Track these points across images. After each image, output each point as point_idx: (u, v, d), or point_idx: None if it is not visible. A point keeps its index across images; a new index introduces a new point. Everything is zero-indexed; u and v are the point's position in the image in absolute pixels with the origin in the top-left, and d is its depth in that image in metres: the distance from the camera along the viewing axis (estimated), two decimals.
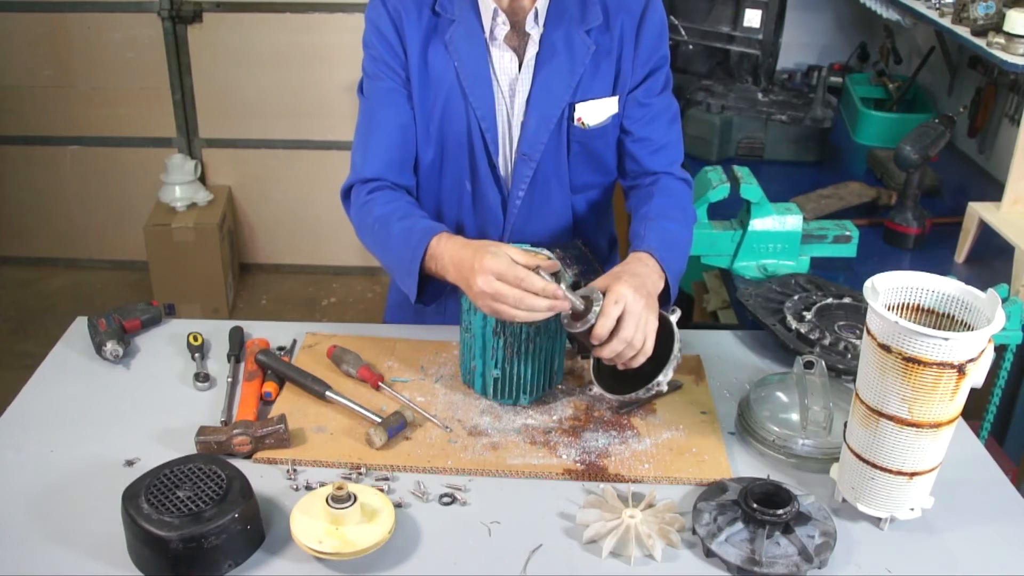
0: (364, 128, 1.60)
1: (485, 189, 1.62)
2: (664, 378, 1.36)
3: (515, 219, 1.64)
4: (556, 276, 1.33)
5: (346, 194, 1.60)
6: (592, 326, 1.32)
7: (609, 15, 1.56)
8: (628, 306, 1.32)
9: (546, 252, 1.48)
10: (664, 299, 1.47)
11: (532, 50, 1.55)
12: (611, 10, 1.56)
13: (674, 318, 1.40)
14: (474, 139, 1.58)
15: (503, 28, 1.53)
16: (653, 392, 1.37)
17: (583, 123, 1.58)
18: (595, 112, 1.58)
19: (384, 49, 1.55)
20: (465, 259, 1.35)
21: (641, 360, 1.35)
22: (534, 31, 1.54)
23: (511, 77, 1.56)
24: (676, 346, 1.37)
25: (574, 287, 1.39)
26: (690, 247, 1.60)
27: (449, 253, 1.39)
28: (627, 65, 1.58)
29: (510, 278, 1.29)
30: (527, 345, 1.40)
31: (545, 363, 1.43)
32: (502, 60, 1.55)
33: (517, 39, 1.55)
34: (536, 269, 1.31)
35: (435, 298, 1.55)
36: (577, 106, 1.57)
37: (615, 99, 1.60)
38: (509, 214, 1.64)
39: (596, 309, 1.32)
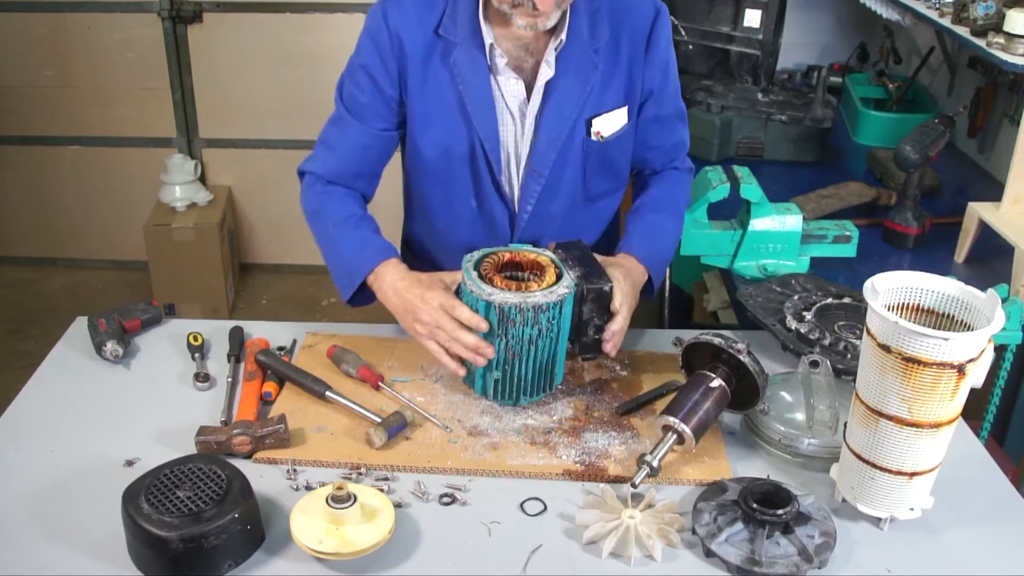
0: (335, 131, 1.64)
1: (491, 205, 1.62)
2: (764, 405, 1.39)
3: (522, 233, 1.65)
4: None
5: (302, 173, 1.66)
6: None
7: (616, 28, 1.55)
8: (626, 301, 1.48)
9: (548, 253, 1.48)
10: (647, 288, 1.61)
11: (546, 74, 1.54)
12: (618, 23, 1.55)
13: (742, 347, 1.38)
14: (478, 159, 1.58)
15: (501, 59, 1.52)
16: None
17: (601, 136, 1.60)
18: (610, 123, 1.60)
19: (376, 66, 1.55)
20: (413, 285, 1.46)
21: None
22: (551, 57, 1.52)
23: (519, 100, 1.56)
24: (759, 379, 1.36)
25: (582, 288, 1.43)
26: (679, 233, 1.73)
27: (392, 280, 1.50)
28: (637, 75, 1.59)
29: (448, 308, 1.40)
30: (527, 347, 1.39)
31: (545, 364, 1.43)
32: (507, 84, 1.54)
33: (525, 63, 1.54)
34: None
35: (365, 302, 1.61)
36: (594, 121, 1.58)
37: (626, 109, 1.61)
38: (517, 227, 1.65)
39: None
